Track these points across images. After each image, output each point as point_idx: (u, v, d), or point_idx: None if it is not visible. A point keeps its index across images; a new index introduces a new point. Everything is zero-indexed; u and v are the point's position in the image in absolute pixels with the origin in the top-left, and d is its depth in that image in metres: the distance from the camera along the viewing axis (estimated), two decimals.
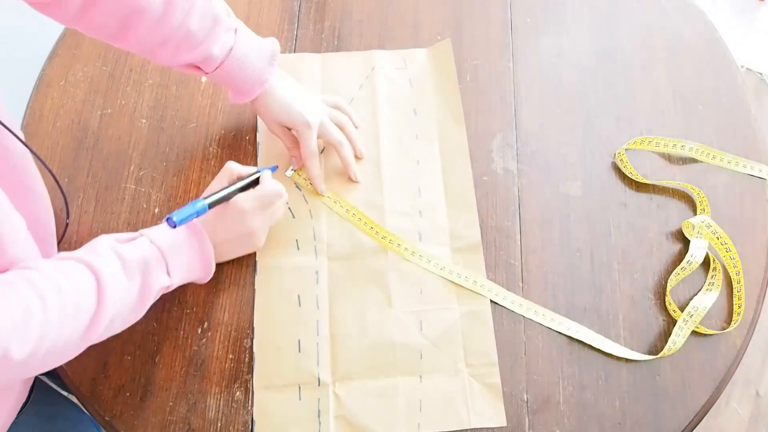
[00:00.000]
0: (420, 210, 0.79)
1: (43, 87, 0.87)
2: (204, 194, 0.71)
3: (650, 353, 0.73)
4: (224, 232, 0.71)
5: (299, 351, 0.72)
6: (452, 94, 0.87)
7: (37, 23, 0.93)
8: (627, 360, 0.72)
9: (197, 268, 0.69)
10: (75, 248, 0.68)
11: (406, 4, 0.94)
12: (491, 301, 0.75)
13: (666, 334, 0.74)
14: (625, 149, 0.83)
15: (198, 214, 0.66)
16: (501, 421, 0.69)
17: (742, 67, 1.88)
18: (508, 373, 0.72)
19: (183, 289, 0.75)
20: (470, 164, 0.82)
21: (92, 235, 0.77)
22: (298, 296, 0.74)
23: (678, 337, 0.72)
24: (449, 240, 0.78)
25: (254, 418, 0.69)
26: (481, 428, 0.69)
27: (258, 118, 0.85)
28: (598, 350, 0.72)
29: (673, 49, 0.91)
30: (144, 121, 0.85)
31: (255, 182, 0.73)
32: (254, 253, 0.76)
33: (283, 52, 0.90)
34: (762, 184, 0.82)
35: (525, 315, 0.74)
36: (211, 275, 0.72)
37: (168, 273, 0.66)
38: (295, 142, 0.79)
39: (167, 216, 0.65)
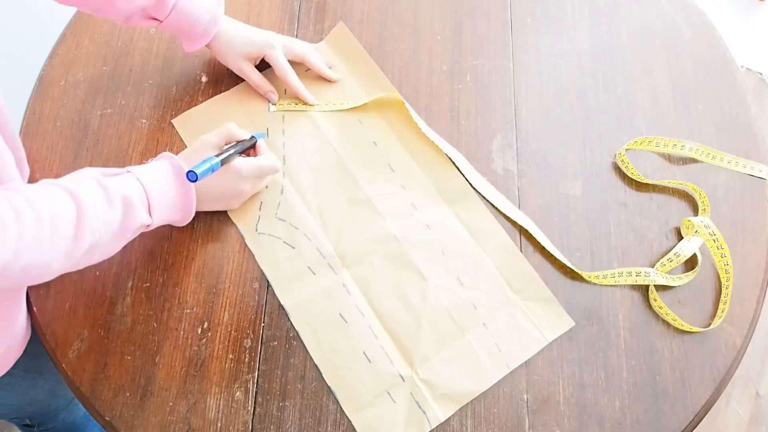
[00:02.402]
0: (401, 184, 0.81)
1: (43, 87, 0.87)
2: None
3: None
4: (215, 187, 0.74)
5: (369, 361, 0.72)
6: (368, 67, 0.88)
7: (37, 23, 0.93)
8: (627, 359, 0.72)
9: (178, 209, 0.71)
10: None
11: (406, 4, 0.94)
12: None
13: (667, 335, 0.74)
14: (626, 149, 0.83)
15: (213, 170, 0.70)
16: (569, 323, 0.74)
17: (742, 67, 1.88)
18: (508, 373, 0.72)
19: (183, 289, 0.75)
20: (422, 119, 0.84)
21: None
22: (340, 315, 0.74)
23: (610, 277, 0.75)
24: (440, 196, 0.80)
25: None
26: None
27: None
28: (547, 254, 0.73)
29: (673, 49, 0.91)
30: (144, 121, 0.85)
31: (251, 147, 0.78)
32: (272, 290, 0.75)
33: None
34: (762, 184, 0.83)
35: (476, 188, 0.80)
36: (190, 220, 0.74)
37: (149, 212, 0.67)
38: (263, 79, 0.84)
39: (188, 170, 0.68)
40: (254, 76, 0.84)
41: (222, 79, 0.87)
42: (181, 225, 0.75)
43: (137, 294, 0.75)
